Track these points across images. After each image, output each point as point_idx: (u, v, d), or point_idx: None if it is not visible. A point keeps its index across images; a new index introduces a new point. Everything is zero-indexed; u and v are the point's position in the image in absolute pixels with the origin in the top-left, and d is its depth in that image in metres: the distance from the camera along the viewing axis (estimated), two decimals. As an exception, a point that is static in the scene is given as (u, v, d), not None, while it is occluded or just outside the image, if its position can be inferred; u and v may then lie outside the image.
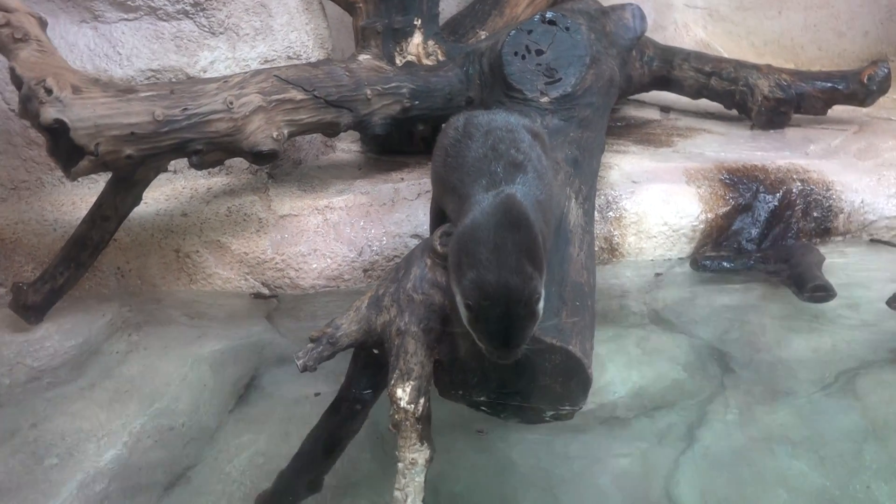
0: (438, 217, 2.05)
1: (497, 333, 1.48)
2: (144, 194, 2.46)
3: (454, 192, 1.80)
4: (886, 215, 2.80)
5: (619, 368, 2.16)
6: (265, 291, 2.62)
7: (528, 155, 1.76)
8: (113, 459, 1.82)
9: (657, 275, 2.62)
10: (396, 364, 1.71)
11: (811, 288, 2.31)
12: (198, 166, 2.31)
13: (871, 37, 5.25)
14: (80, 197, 2.69)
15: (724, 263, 2.58)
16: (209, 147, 2.27)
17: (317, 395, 2.05)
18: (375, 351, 1.84)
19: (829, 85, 3.44)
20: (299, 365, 1.71)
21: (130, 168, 2.21)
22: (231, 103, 2.28)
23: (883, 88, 3.37)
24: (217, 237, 2.63)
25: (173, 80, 2.71)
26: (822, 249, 2.71)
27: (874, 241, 2.78)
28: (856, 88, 3.39)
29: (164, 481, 1.79)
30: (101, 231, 2.37)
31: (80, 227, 2.38)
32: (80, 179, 2.65)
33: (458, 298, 1.54)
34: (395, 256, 2.58)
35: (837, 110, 3.57)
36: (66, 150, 2.08)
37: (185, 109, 2.20)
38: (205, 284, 2.62)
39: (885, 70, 3.33)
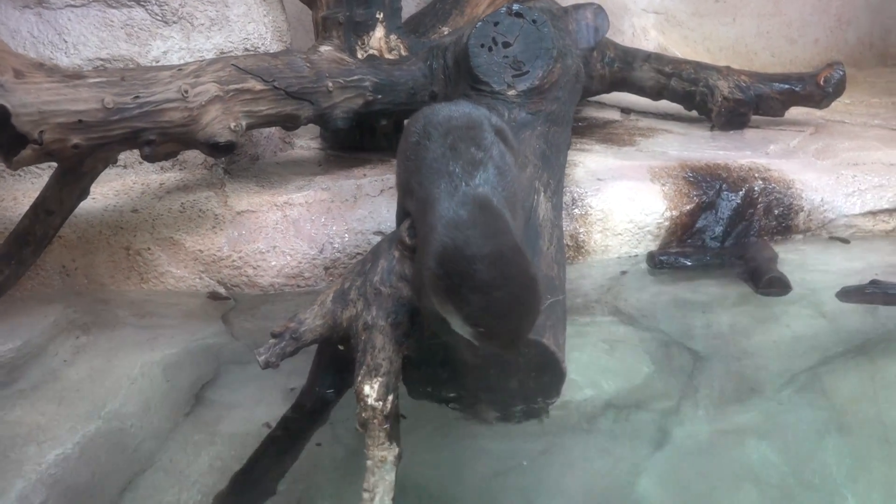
0: (404, 218, 1.99)
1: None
2: (92, 189, 2.33)
3: (413, 196, 1.71)
4: (845, 213, 2.84)
5: (586, 365, 2.13)
6: (221, 291, 2.51)
7: (488, 152, 1.67)
8: (56, 464, 1.69)
9: (623, 272, 2.60)
10: (363, 360, 1.63)
11: (766, 281, 2.34)
12: (150, 158, 2.19)
13: (821, 44, 5.40)
14: (22, 192, 2.54)
15: (681, 260, 2.58)
16: (162, 138, 2.16)
17: (291, 390, 1.94)
18: (341, 347, 1.76)
19: (787, 87, 3.49)
20: (261, 361, 1.62)
21: (77, 158, 2.08)
22: (186, 92, 2.17)
23: (838, 91, 3.43)
24: (170, 234, 2.51)
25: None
26: (783, 247, 2.74)
27: (833, 239, 2.81)
28: (812, 90, 3.44)
29: (116, 486, 1.67)
30: (44, 226, 2.23)
31: (21, 221, 2.23)
32: (21, 172, 2.54)
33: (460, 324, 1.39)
34: (358, 254, 2.50)
35: (794, 112, 3.63)
36: (7, 138, 1.94)
37: (137, 97, 2.08)
38: (157, 284, 2.50)
39: (841, 72, 3.40)
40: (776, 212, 2.81)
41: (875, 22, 5.48)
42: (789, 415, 1.89)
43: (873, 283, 2.25)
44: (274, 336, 1.66)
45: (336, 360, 1.79)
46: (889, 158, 3.01)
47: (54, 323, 2.29)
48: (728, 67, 3.63)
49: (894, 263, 2.60)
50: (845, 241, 2.78)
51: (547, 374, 1.63)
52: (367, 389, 1.57)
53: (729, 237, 2.78)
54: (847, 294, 2.25)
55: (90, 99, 2.01)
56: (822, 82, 3.41)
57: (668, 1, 5.22)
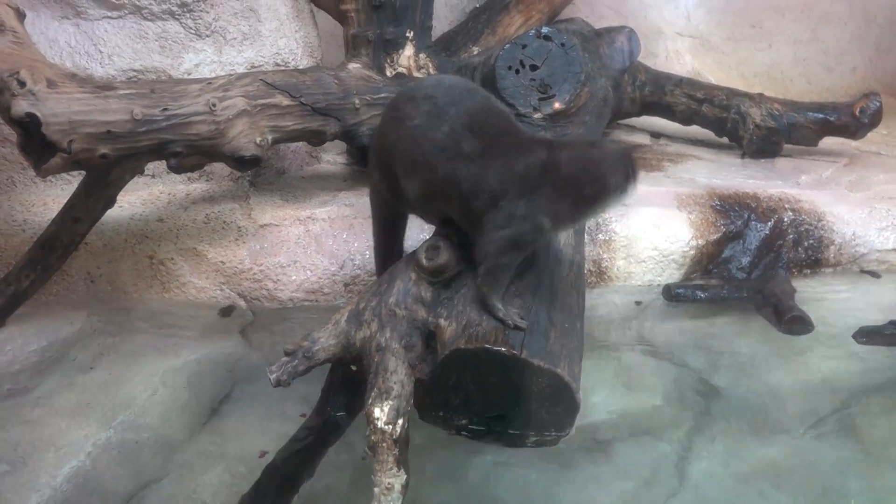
0: (389, 237, 1.99)
1: None
2: (120, 197, 2.36)
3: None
4: (877, 248, 2.77)
5: (604, 395, 2.09)
6: (241, 303, 2.52)
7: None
8: (72, 471, 1.70)
9: (637, 303, 2.55)
10: (375, 382, 1.62)
11: (789, 319, 2.27)
12: (176, 169, 2.22)
13: (859, 73, 5.30)
14: (52, 197, 2.59)
15: (698, 293, 2.51)
16: (189, 150, 2.18)
17: (302, 416, 1.93)
18: (353, 367, 1.75)
19: (821, 116, 3.42)
20: (272, 379, 1.62)
21: (105, 168, 2.12)
22: (214, 105, 2.19)
23: (874, 122, 3.36)
24: (193, 245, 2.53)
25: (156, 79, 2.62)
26: (811, 281, 2.68)
27: (864, 273, 2.73)
28: (847, 121, 3.37)
29: (126, 495, 1.68)
30: (70, 233, 2.27)
31: (48, 228, 2.27)
32: (52, 179, 2.58)
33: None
34: (377, 271, 2.49)
35: (828, 142, 3.55)
36: (38, 146, 1.97)
37: (166, 110, 2.11)
38: (178, 293, 2.52)
39: (878, 103, 3.33)
40: (806, 244, 2.75)
41: (916, 51, 5.37)
42: (813, 454, 1.84)
43: (892, 323, 2.18)
44: (287, 354, 1.66)
45: (348, 381, 1.78)
46: (925, 193, 2.94)
47: (78, 329, 2.32)
48: (761, 95, 3.57)
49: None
50: (876, 274, 2.71)
51: (560, 404, 1.61)
52: (377, 412, 1.56)
53: (756, 268, 2.72)
54: (865, 335, 2.19)
55: (119, 110, 2.04)
56: (857, 113, 3.34)
57: (702, 25, 5.18)
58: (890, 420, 1.98)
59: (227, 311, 2.48)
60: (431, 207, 1.79)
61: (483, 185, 1.63)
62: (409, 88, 1.82)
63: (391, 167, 1.77)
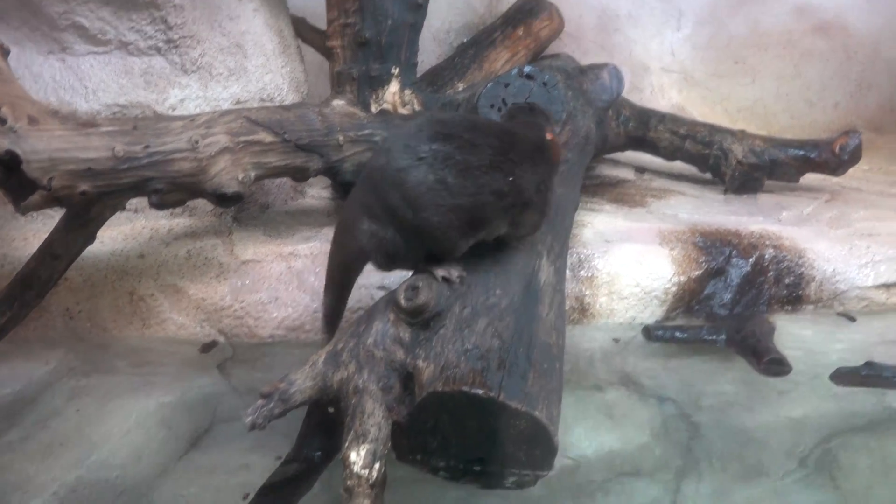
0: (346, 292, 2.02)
1: None
2: (101, 233, 2.36)
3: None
4: (857, 285, 2.78)
5: (587, 433, 2.08)
6: (221, 340, 2.50)
7: None
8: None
9: (615, 340, 2.54)
10: (352, 425, 1.61)
11: (767, 362, 2.27)
12: (157, 206, 2.22)
13: (840, 108, 5.38)
14: (32, 232, 2.58)
15: (677, 333, 2.51)
16: (170, 187, 2.18)
17: (277, 458, 1.91)
18: (331, 409, 1.74)
19: (802, 153, 3.46)
20: (247, 423, 1.60)
21: (85, 205, 2.11)
22: (196, 142, 2.20)
23: (854, 158, 3.40)
24: (174, 281, 2.52)
25: (140, 115, 2.63)
26: (792, 318, 2.69)
27: (840, 315, 2.74)
28: (828, 157, 3.41)
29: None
30: (49, 270, 2.25)
31: (27, 264, 2.26)
32: (33, 214, 2.56)
33: None
34: (360, 308, 2.48)
35: (809, 178, 3.59)
36: (17, 183, 1.97)
37: (148, 147, 2.11)
38: (158, 330, 2.50)
39: (857, 140, 3.37)
40: (787, 281, 2.76)
41: (896, 88, 5.46)
42: (794, 497, 1.82)
43: (868, 364, 2.19)
44: (262, 397, 1.64)
45: (326, 423, 1.76)
46: (905, 230, 2.96)
47: (54, 368, 2.29)
48: (742, 131, 3.62)
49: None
50: (852, 318, 2.72)
51: (539, 447, 1.59)
52: (353, 456, 1.55)
53: (738, 305, 2.73)
54: (841, 376, 2.19)
55: (101, 147, 2.05)
56: (837, 150, 3.38)
57: (687, 61, 5.26)
58: (871, 462, 1.97)
59: (207, 348, 2.46)
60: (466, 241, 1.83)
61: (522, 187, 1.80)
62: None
63: (398, 210, 1.73)
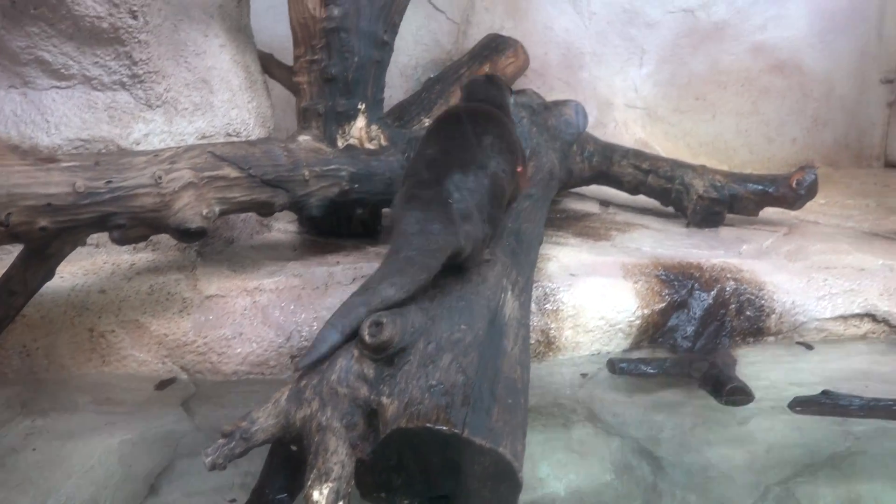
0: None
1: None
2: (61, 268, 2.32)
3: None
4: (816, 317, 2.84)
5: (553, 468, 2.07)
6: (184, 377, 2.46)
7: None
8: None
9: (583, 375, 2.56)
10: (315, 463, 1.59)
11: (729, 391, 2.30)
12: (119, 241, 2.19)
13: (798, 144, 5.56)
14: (-10, 268, 2.52)
15: (642, 367, 2.53)
16: (133, 222, 2.16)
17: (231, 501, 1.87)
18: (294, 448, 1.71)
19: (761, 187, 3.55)
20: (207, 463, 1.57)
21: (44, 241, 2.08)
22: (160, 178, 2.18)
23: (811, 193, 3.49)
24: (136, 316, 2.48)
25: (103, 150, 2.61)
26: (752, 349, 2.73)
27: (798, 344, 2.80)
28: (785, 192, 3.50)
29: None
30: (5, 307, 2.21)
31: (-17, 301, 2.21)
32: (-10, 249, 2.51)
33: None
34: (326, 343, 2.46)
35: (768, 212, 3.68)
36: (-26, 218, 1.94)
37: (110, 182, 2.09)
38: (118, 367, 2.45)
39: (813, 176, 3.47)
40: (748, 313, 2.81)
41: (851, 124, 5.65)
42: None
43: (825, 393, 2.23)
44: (224, 436, 1.61)
45: (289, 462, 1.73)
46: (860, 263, 3.04)
47: (8, 407, 2.23)
48: (703, 166, 3.70)
49: (861, 369, 2.60)
50: (809, 346, 2.77)
51: (503, 483, 1.59)
52: (316, 495, 1.52)
53: (701, 337, 2.77)
54: (799, 405, 2.22)
55: (61, 182, 2.02)
56: (794, 185, 3.47)
57: (650, 97, 5.39)
58: (834, 492, 1.99)
59: (164, 385, 2.41)
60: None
61: None
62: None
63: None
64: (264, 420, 1.66)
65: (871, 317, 2.87)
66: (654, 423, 2.25)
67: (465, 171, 2.01)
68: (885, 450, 2.08)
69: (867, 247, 3.28)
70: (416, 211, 1.95)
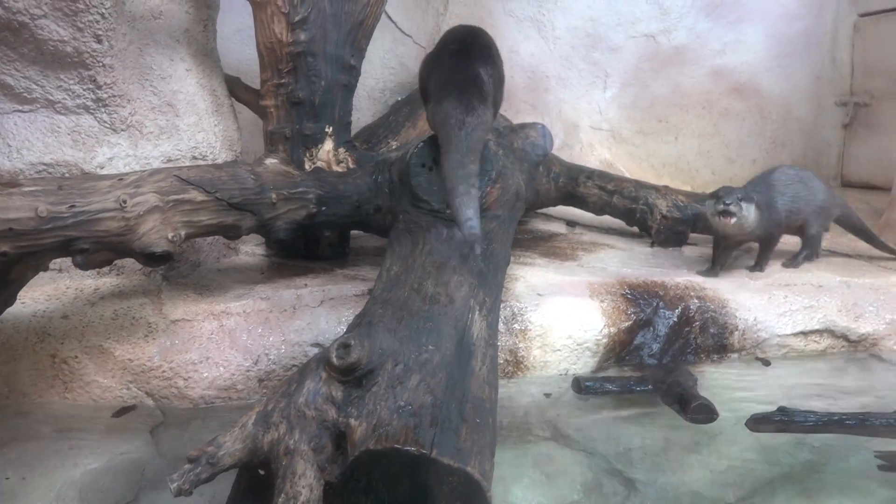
0: None
1: None
2: (23, 293, 2.28)
3: None
4: (777, 333, 2.90)
5: (523, 488, 2.08)
6: (149, 403, 2.42)
7: None
8: None
9: (546, 395, 2.57)
10: (283, 487, 1.58)
11: (694, 409, 2.33)
12: (82, 266, 2.16)
13: (758, 164, 5.69)
14: (-52, 295, 2.46)
15: (606, 385, 2.55)
16: (96, 246, 2.14)
17: None
18: (261, 472, 1.70)
19: (722, 207, 3.62)
20: (173, 488, 1.55)
21: (5, 266, 2.04)
22: (125, 202, 2.17)
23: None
24: (100, 342, 2.44)
25: (66, 174, 2.58)
26: (717, 367, 2.78)
27: (757, 359, 2.85)
28: (746, 211, 3.57)
29: None
30: (-35, 333, 2.17)
31: (-59, 328, 2.17)
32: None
33: None
34: (294, 366, 2.45)
35: (730, 231, 3.75)
36: (-68, 244, 1.91)
37: (73, 206, 2.07)
38: (81, 394, 2.41)
39: (772, 196, 3.54)
40: (712, 330, 2.86)
41: (808, 145, 5.81)
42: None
43: (781, 410, 2.27)
44: (190, 461, 1.60)
45: (257, 486, 1.72)
46: (818, 280, 3.12)
47: (-33, 437, 2.18)
48: (666, 187, 3.78)
49: (821, 384, 2.66)
50: (766, 362, 2.83)
51: (472, 502, 1.59)
52: (283, 520, 1.52)
53: (666, 355, 2.81)
54: (756, 422, 2.26)
55: (23, 207, 2.00)
56: (754, 204, 3.54)
57: (614, 119, 5.49)
58: (796, 507, 2.03)
59: (122, 412, 2.37)
60: None
61: None
62: None
63: None
64: (231, 444, 1.65)
65: (830, 332, 2.94)
66: (622, 441, 2.27)
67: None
68: (842, 464, 2.12)
69: (825, 264, 3.36)
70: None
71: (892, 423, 2.20)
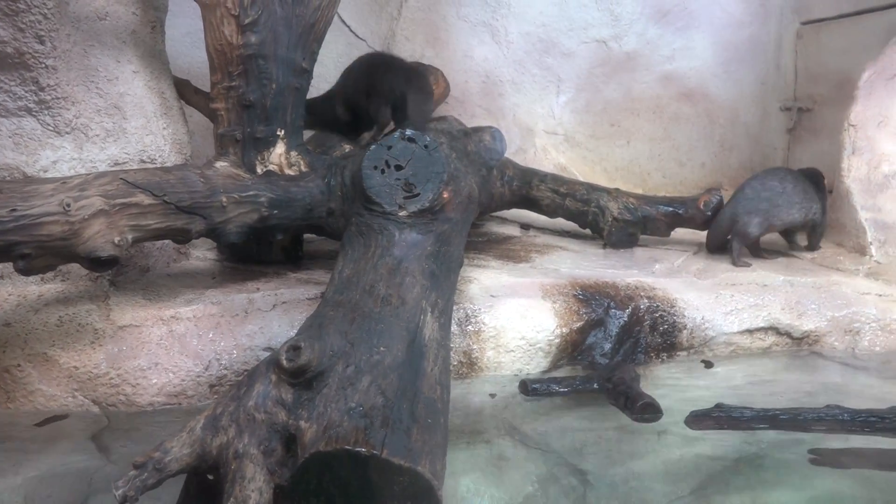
0: None
1: None
2: (-39, 301, 2.22)
3: None
4: (724, 332, 2.97)
5: (476, 486, 2.09)
6: (95, 410, 2.37)
7: None
8: None
9: (491, 395, 2.59)
10: (232, 491, 1.56)
11: (640, 407, 2.36)
12: (24, 272, 2.11)
13: (707, 168, 5.82)
14: None
15: (553, 386, 2.58)
16: (39, 251, 2.09)
17: None
18: (210, 477, 1.68)
19: (671, 209, 3.70)
20: (118, 495, 1.53)
21: (-58, 272, 1.99)
22: (68, 205, 2.13)
23: (717, 214, 3.66)
24: (44, 349, 2.38)
25: (7, 178, 2.52)
26: (666, 366, 2.84)
27: (702, 361, 2.91)
28: (694, 213, 3.67)
29: None
30: None
31: None
32: None
33: None
34: (246, 371, 2.42)
35: (680, 232, 3.84)
36: None
37: (14, 210, 2.03)
38: (24, 402, 2.35)
39: (718, 197, 3.64)
40: (661, 329, 2.92)
41: (755, 150, 5.95)
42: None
43: (718, 407, 2.31)
44: (135, 467, 1.57)
45: (205, 491, 1.70)
46: (763, 279, 3.20)
47: None
48: (618, 189, 3.84)
49: (766, 379, 2.74)
50: (709, 364, 2.89)
51: (423, 502, 1.60)
52: (232, 524, 1.50)
53: (618, 354, 2.85)
54: (695, 420, 2.30)
55: (-39, 211, 1.95)
56: (702, 206, 3.64)
57: (568, 124, 5.55)
58: (741, 499, 2.08)
59: (47, 421, 2.30)
60: None
61: None
62: None
63: None
64: (179, 449, 1.63)
65: (775, 330, 3.02)
66: (575, 438, 2.31)
67: None
68: (785, 456, 2.19)
69: (769, 264, 3.46)
70: None
71: (823, 417, 2.27)
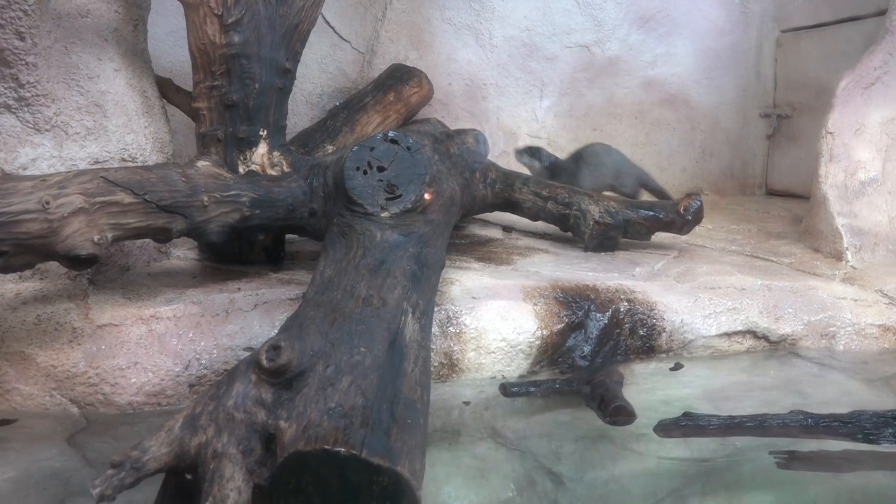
0: None
1: None
2: (-63, 299, 2.19)
3: None
4: (703, 335, 3.00)
5: (457, 487, 2.10)
6: (74, 410, 2.36)
7: None
8: None
9: (465, 403, 2.59)
10: (210, 490, 1.56)
11: (612, 410, 2.36)
12: (2, 270, 2.10)
13: (687, 172, 5.89)
14: None
15: (532, 389, 2.59)
16: (17, 249, 2.08)
17: None
18: (188, 476, 1.67)
19: (652, 213, 3.73)
20: (95, 494, 1.52)
21: (-82, 269, 1.97)
22: (48, 203, 2.11)
23: (697, 218, 3.70)
24: (21, 348, 2.36)
25: (-15, 175, 2.49)
26: (647, 367, 2.86)
27: (676, 366, 2.92)
28: (674, 217, 3.70)
29: None
30: None
31: None
32: None
33: None
34: (226, 370, 2.41)
35: (661, 236, 3.88)
36: None
37: (-8, 207, 2.01)
38: (1, 402, 2.32)
39: (698, 202, 3.68)
40: (641, 332, 2.94)
41: (735, 155, 6.03)
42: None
43: (686, 415, 2.31)
44: (113, 466, 1.56)
45: (184, 491, 1.69)
46: (742, 283, 3.24)
47: None
48: (599, 193, 3.87)
49: (743, 382, 2.77)
50: (679, 365, 2.90)
51: (403, 502, 1.60)
52: (210, 524, 1.50)
53: (598, 356, 2.87)
54: (664, 429, 2.29)
55: (-62, 208, 1.93)
56: (682, 210, 3.67)
57: (551, 128, 5.60)
58: (716, 502, 2.11)
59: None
60: None
61: None
62: None
63: None
64: (157, 448, 1.62)
65: (752, 333, 3.06)
66: (553, 440, 2.32)
67: None
68: (760, 459, 2.21)
69: (748, 268, 3.50)
70: None
71: (786, 423, 2.29)
